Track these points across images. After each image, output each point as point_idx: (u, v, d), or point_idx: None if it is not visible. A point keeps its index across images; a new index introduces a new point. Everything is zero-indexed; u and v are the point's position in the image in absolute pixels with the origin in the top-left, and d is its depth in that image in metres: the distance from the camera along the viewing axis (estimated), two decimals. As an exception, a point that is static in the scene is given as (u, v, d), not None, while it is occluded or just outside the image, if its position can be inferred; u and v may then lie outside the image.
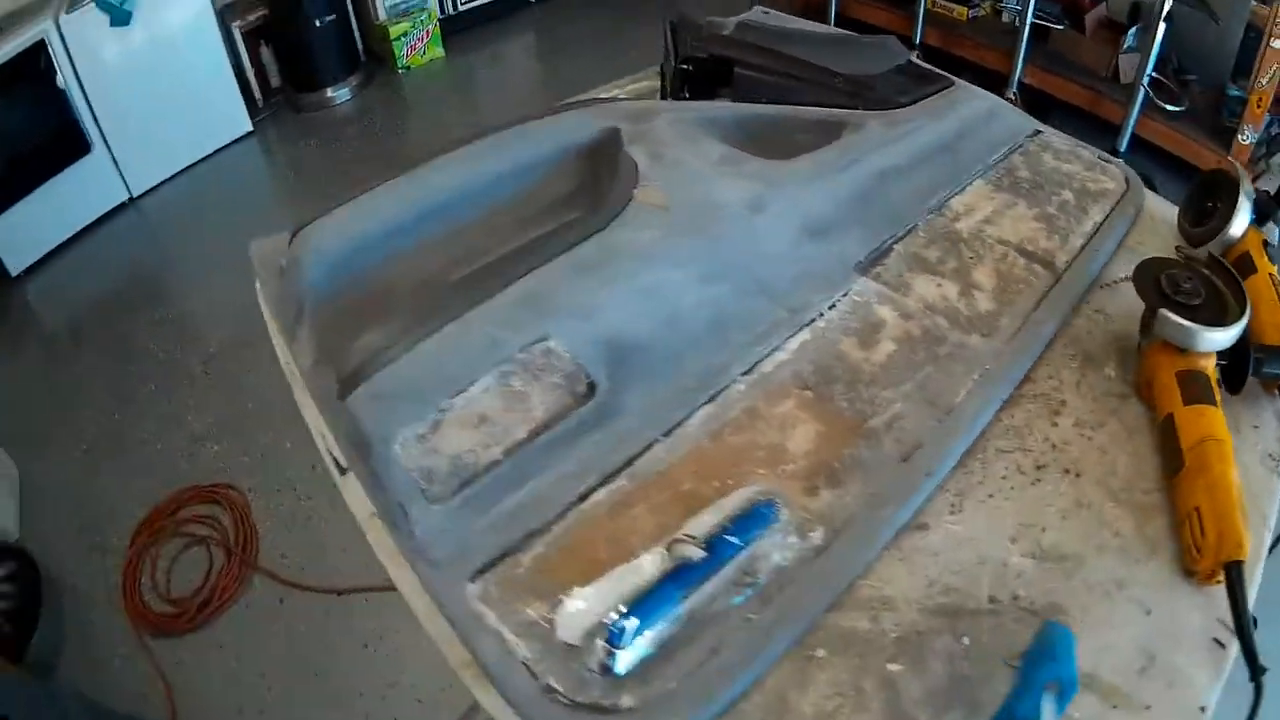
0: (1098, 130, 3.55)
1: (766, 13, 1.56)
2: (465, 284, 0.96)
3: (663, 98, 1.36)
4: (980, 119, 1.34)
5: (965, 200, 1.20)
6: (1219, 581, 0.72)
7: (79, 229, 3.09)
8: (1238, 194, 1.06)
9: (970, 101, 1.36)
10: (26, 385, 2.61)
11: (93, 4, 2.82)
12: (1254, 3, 3.19)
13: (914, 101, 1.31)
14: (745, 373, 0.91)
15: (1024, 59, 3.59)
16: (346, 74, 3.62)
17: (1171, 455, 0.82)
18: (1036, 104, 3.72)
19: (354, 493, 0.82)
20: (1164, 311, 0.85)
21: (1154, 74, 3.24)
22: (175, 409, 2.50)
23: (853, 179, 1.12)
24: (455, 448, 0.77)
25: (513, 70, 4.14)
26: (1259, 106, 3.12)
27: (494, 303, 0.86)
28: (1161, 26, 3.05)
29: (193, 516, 2.21)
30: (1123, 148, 3.36)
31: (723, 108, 1.23)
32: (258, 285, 1.05)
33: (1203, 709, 0.66)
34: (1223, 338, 0.85)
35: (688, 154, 1.10)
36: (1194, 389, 0.84)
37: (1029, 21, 3.47)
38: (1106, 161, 1.33)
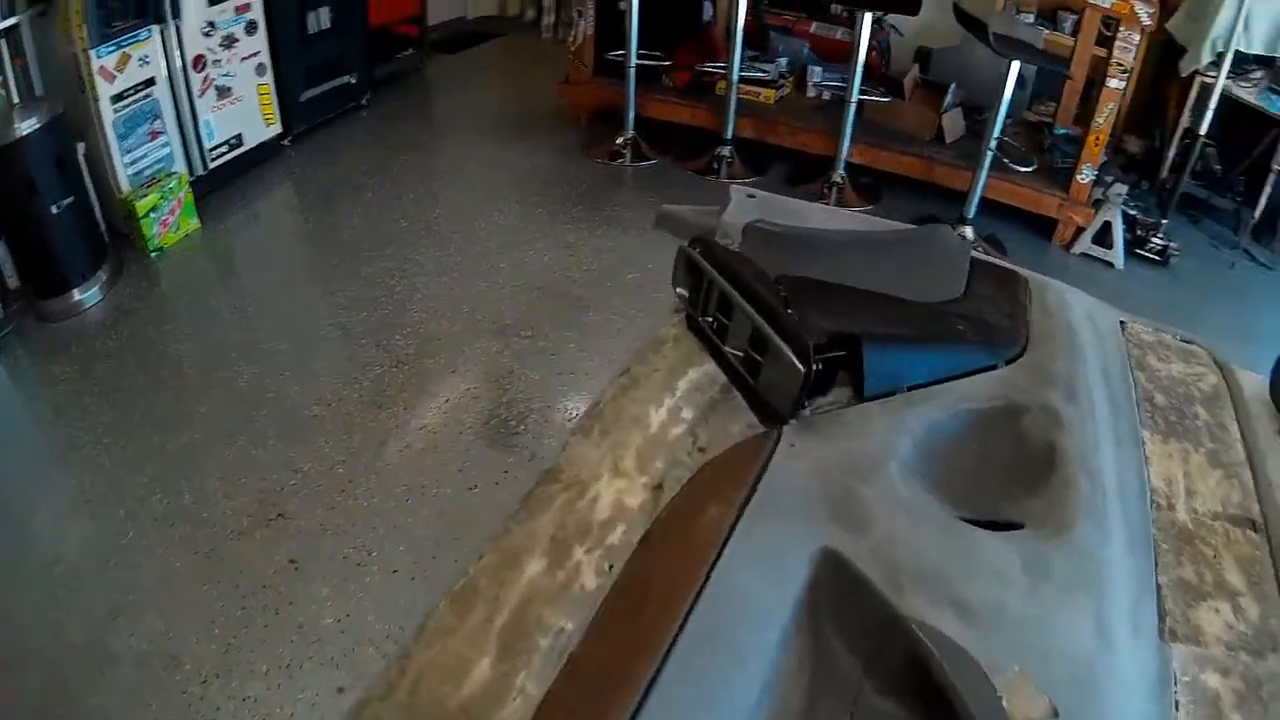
0: (933, 196, 3.58)
1: (752, 196, 1.25)
2: None
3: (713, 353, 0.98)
4: (1096, 324, 1.08)
5: (1158, 470, 0.92)
6: None
7: None
8: None
9: (1072, 302, 1.09)
10: None
11: None
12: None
13: (1018, 321, 1.03)
14: None
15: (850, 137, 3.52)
16: (94, 267, 2.86)
17: None
18: (870, 186, 3.69)
19: None
20: None
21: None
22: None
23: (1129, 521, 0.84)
24: None
25: (277, 233, 3.61)
26: (1097, 144, 3.24)
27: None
28: (1008, 90, 3.06)
29: None
30: (971, 214, 3.37)
31: (899, 431, 0.87)
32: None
33: None
34: None
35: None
36: None
37: (855, 99, 3.40)
38: (1188, 344, 1.19)
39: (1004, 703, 0.62)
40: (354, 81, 4.15)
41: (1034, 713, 0.63)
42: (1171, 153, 3.66)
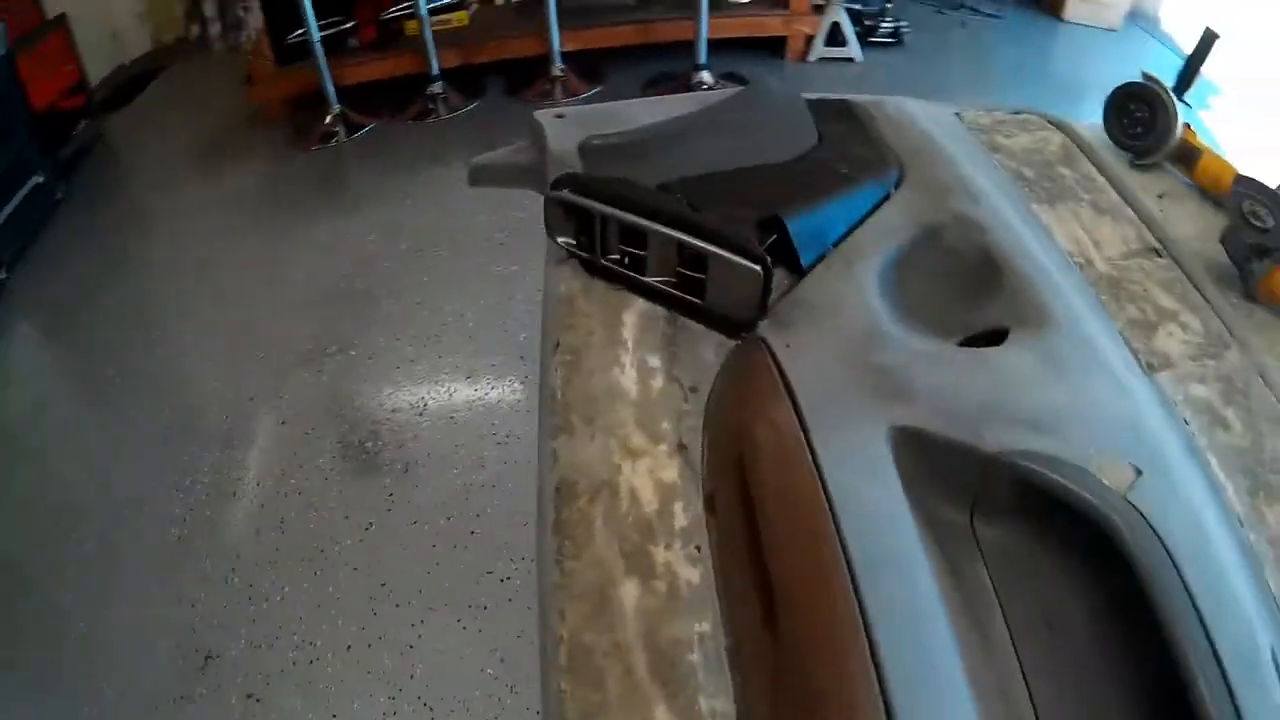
0: (657, 57, 3.56)
1: (560, 116, 1.14)
2: None
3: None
4: (941, 124, 1.09)
5: (1062, 235, 0.98)
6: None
7: None
8: (1164, 101, 1.09)
9: (913, 112, 1.09)
10: None
11: None
12: None
13: (881, 147, 1.03)
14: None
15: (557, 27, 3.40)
16: None
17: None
18: (592, 68, 3.61)
19: None
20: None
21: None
22: None
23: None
24: None
25: (47, 369, 2.86)
26: None
27: None
28: None
29: None
30: (704, 59, 3.39)
31: (861, 290, 0.83)
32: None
33: None
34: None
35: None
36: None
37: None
38: (1019, 114, 1.24)
39: (1104, 481, 0.63)
40: (44, 180, 3.39)
41: (1126, 479, 0.65)
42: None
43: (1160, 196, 1.11)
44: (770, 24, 3.53)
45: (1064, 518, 0.62)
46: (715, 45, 3.44)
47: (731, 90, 1.15)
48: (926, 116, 1.11)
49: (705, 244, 0.75)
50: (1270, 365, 0.91)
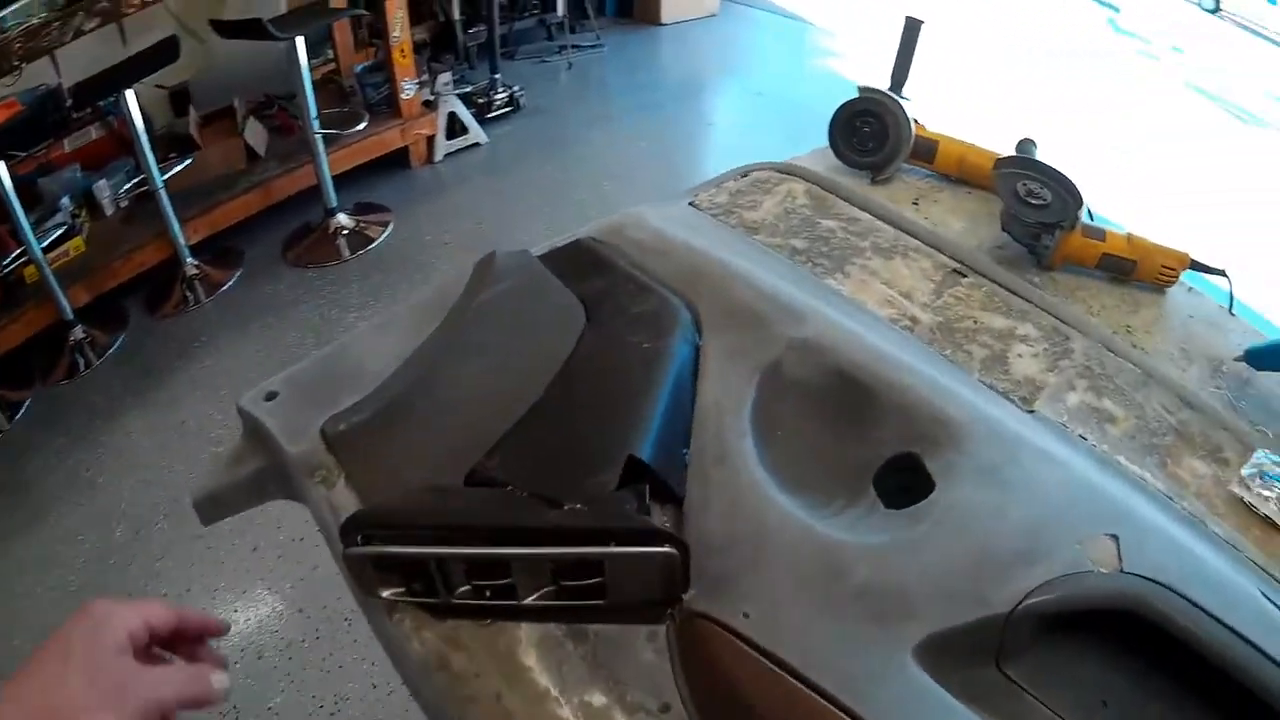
0: (287, 213, 3.27)
1: (272, 396, 0.87)
2: None
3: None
4: (688, 224, 1.01)
5: (873, 299, 0.93)
6: None
7: None
8: (891, 108, 1.10)
9: (652, 226, 1.00)
10: None
11: None
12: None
13: (649, 289, 0.92)
14: None
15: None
16: None
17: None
18: (229, 249, 3.25)
19: None
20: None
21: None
22: None
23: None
24: None
25: None
26: (404, 56, 3.24)
27: None
28: (304, 64, 2.82)
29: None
30: (335, 203, 3.16)
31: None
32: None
33: None
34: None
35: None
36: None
37: (160, 182, 2.88)
38: (745, 175, 1.19)
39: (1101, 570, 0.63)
40: None
41: (1111, 551, 0.64)
42: (456, 14, 3.79)
43: (915, 203, 1.11)
44: (389, 139, 3.35)
45: (1084, 624, 0.62)
46: (343, 180, 3.24)
47: (450, 282, 0.96)
48: (671, 226, 1.00)
49: (596, 550, 0.60)
50: (1106, 332, 0.93)
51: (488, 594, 0.63)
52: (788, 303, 0.83)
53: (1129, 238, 1.01)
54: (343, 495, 0.74)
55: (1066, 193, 0.97)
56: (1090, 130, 3.92)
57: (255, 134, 3.33)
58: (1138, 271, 1.00)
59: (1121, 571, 0.63)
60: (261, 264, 3.18)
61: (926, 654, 0.59)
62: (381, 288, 2.97)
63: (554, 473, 0.67)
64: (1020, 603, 0.60)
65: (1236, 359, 0.92)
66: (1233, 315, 1.01)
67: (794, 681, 0.56)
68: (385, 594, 0.66)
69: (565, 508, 0.62)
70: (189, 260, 3.07)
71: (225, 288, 3.13)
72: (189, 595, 2.04)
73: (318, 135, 2.94)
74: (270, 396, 0.84)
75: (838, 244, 1.00)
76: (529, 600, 0.63)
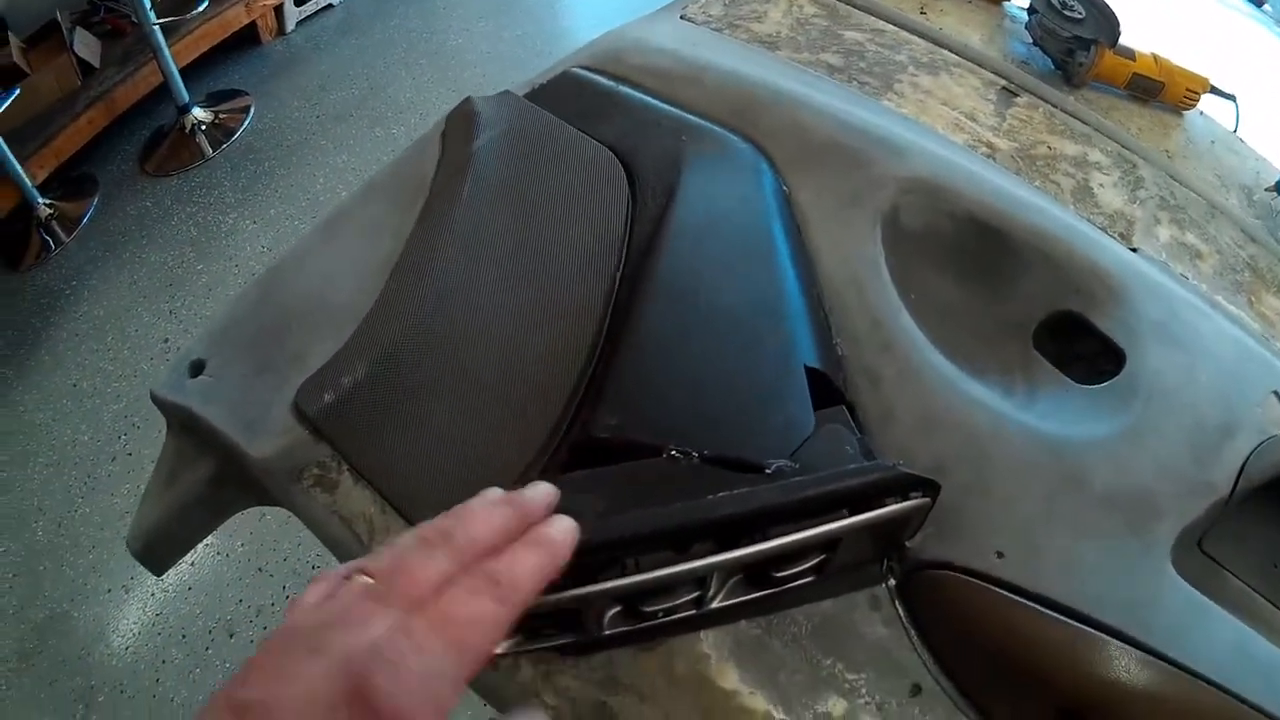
0: (136, 122, 2.63)
1: (200, 370, 0.59)
2: None
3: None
4: (708, 42, 0.80)
5: (943, 129, 0.76)
6: None
7: None
8: None
9: (665, 45, 0.78)
10: None
11: None
12: None
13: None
14: None
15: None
16: None
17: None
18: (84, 178, 2.55)
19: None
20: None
21: None
22: None
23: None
24: None
25: None
26: None
27: None
28: None
29: None
30: (186, 99, 2.57)
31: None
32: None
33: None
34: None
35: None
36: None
37: None
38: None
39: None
40: None
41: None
42: None
43: (922, 12, 0.95)
44: (233, 17, 2.74)
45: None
46: (187, 73, 2.61)
47: (413, 153, 0.69)
48: (679, 44, 0.76)
49: (843, 524, 0.42)
50: (1164, 159, 0.84)
51: (661, 614, 0.43)
52: (880, 133, 0.65)
53: (1155, 58, 0.92)
54: (355, 497, 0.50)
55: (1098, 9, 0.85)
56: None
57: (86, 45, 2.62)
58: (1164, 94, 0.92)
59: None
60: (120, 184, 2.56)
61: (1174, 557, 0.49)
62: (257, 178, 2.48)
63: (722, 420, 0.47)
64: (1237, 482, 0.51)
65: (1267, 189, 0.87)
66: (1242, 141, 0.96)
67: (1075, 624, 0.44)
68: (501, 649, 0.42)
69: (770, 468, 0.43)
70: (40, 201, 2.39)
71: (85, 220, 2.51)
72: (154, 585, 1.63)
73: (155, 27, 2.33)
74: (197, 369, 0.55)
75: (874, 59, 0.82)
76: (717, 604, 0.45)
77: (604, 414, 0.46)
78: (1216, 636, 0.46)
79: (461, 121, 0.66)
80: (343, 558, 0.48)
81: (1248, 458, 0.53)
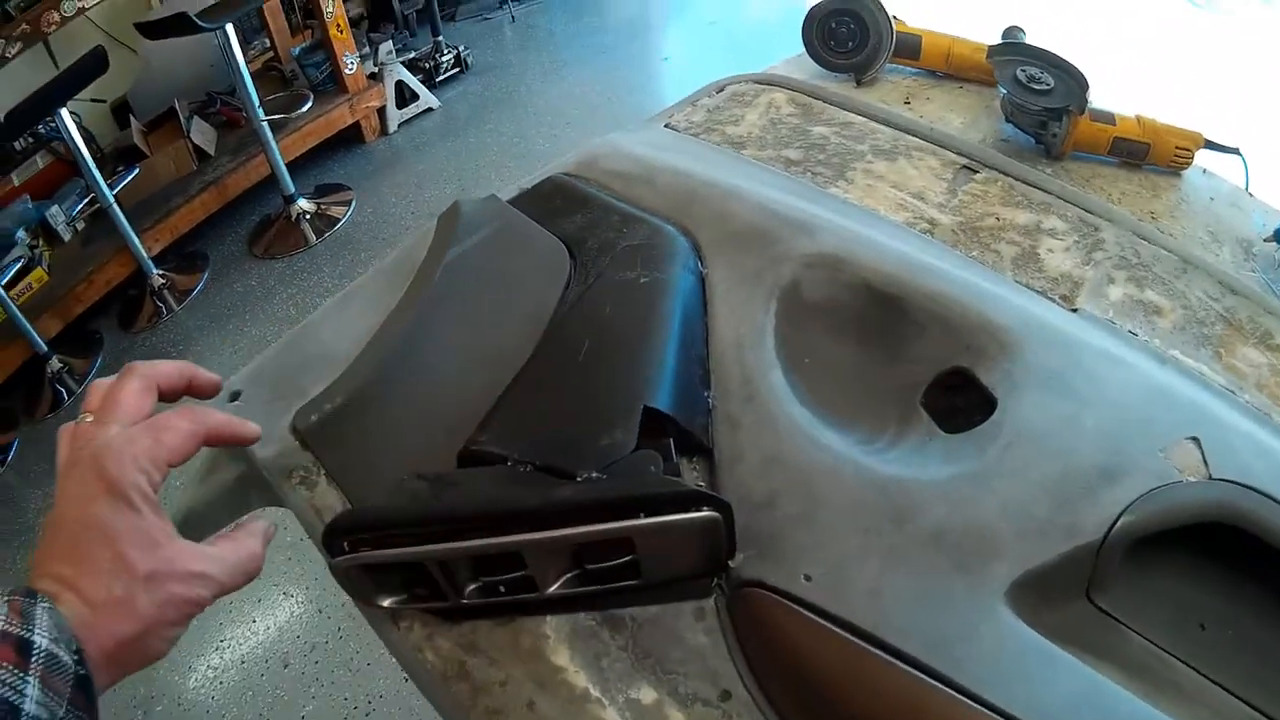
0: (249, 205, 3.13)
1: (236, 397, 0.77)
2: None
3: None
4: (676, 145, 0.90)
5: (884, 204, 0.82)
6: None
7: None
8: (869, 5, 1.02)
9: (635, 151, 0.90)
10: None
11: None
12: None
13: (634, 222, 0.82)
14: None
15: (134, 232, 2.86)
16: None
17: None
18: (194, 254, 3.10)
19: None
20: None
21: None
22: None
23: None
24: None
25: None
26: (341, 32, 3.09)
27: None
28: (239, 55, 2.67)
29: None
30: (293, 190, 2.99)
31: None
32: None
33: None
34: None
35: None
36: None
37: (111, 199, 2.70)
38: (721, 89, 1.08)
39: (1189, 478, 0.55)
40: None
41: (1196, 456, 0.56)
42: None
43: (907, 103, 1.02)
44: (337, 117, 3.20)
45: (1173, 540, 0.54)
46: (297, 165, 3.09)
47: (414, 243, 0.85)
48: (650, 151, 0.90)
49: (622, 524, 0.51)
50: (1134, 219, 0.84)
51: (501, 589, 0.54)
52: (795, 215, 0.73)
53: (1139, 120, 0.93)
54: (327, 495, 0.64)
55: (1069, 76, 0.88)
56: (1068, 18, 3.79)
57: (202, 133, 3.20)
58: (1151, 155, 0.92)
59: (1210, 478, 0.55)
60: (228, 263, 3.06)
61: (1017, 599, 0.50)
62: (355, 267, 2.85)
63: (560, 439, 0.58)
64: (1113, 526, 0.52)
65: (1266, 240, 0.85)
66: (1251, 196, 0.93)
67: (874, 650, 0.47)
68: (386, 603, 0.56)
69: (579, 479, 0.52)
70: (154, 271, 2.95)
71: (195, 293, 3.02)
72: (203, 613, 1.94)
73: (263, 123, 2.81)
74: (234, 397, 0.73)
75: (834, 150, 0.90)
76: (551, 590, 0.54)
77: (477, 433, 0.59)
78: (1056, 685, 0.47)
79: (449, 219, 0.81)
80: (316, 542, 0.62)
81: (1131, 504, 0.54)
